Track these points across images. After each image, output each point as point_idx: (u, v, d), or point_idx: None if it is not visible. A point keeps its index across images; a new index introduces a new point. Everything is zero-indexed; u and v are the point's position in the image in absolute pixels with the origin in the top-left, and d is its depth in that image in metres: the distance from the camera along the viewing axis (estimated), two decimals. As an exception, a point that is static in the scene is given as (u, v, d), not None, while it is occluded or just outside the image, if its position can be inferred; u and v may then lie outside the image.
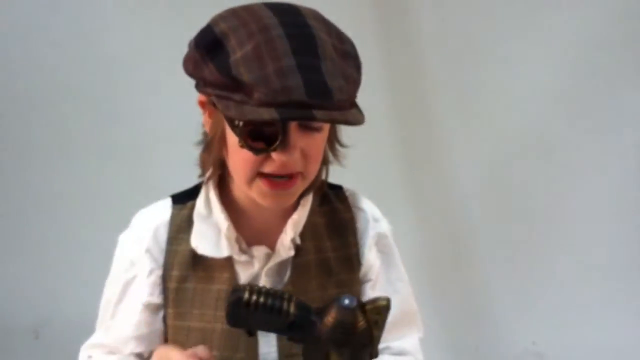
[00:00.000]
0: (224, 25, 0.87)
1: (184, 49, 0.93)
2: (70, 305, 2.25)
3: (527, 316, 2.28)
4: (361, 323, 0.77)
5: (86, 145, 2.24)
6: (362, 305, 0.78)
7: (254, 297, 0.78)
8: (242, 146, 0.86)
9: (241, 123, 0.85)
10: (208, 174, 0.99)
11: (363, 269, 1.06)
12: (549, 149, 2.24)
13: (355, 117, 0.86)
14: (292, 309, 0.79)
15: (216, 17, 0.90)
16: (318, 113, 0.81)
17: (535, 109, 2.22)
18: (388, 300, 0.79)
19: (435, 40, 2.20)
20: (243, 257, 0.98)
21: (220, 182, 1.01)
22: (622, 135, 2.22)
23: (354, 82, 0.89)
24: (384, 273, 1.07)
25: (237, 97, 0.83)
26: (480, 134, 2.24)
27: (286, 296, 0.80)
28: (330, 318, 0.77)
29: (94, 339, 1.06)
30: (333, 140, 0.99)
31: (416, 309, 1.13)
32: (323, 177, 1.02)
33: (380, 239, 1.08)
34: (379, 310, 0.78)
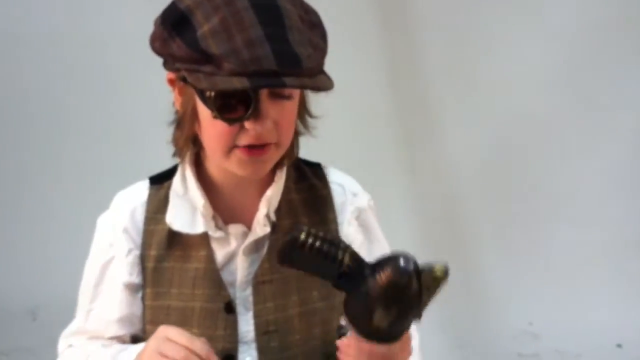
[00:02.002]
0: (189, 1, 0.87)
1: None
2: (67, 286, 2.23)
3: (524, 297, 2.29)
4: (414, 286, 0.76)
5: (82, 129, 2.24)
6: (418, 270, 0.77)
7: (310, 240, 0.77)
8: (214, 117, 0.87)
9: (212, 95, 0.85)
10: (183, 152, 0.98)
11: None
12: (547, 131, 2.25)
13: (324, 82, 0.87)
14: (346, 259, 0.78)
15: None
16: (289, 80, 0.82)
17: (533, 88, 2.22)
18: (445, 271, 0.78)
19: (433, 28, 2.20)
20: (218, 234, 0.98)
21: (196, 161, 1.01)
22: (620, 117, 2.22)
23: (321, 50, 0.90)
24: (365, 247, 1.05)
25: (207, 69, 0.84)
26: (480, 118, 2.24)
27: (342, 245, 0.79)
28: (383, 276, 0.76)
29: (73, 326, 1.06)
30: (302, 111, 0.99)
31: None
32: (297, 146, 1.01)
33: (360, 213, 1.06)
34: (435, 279, 0.78)
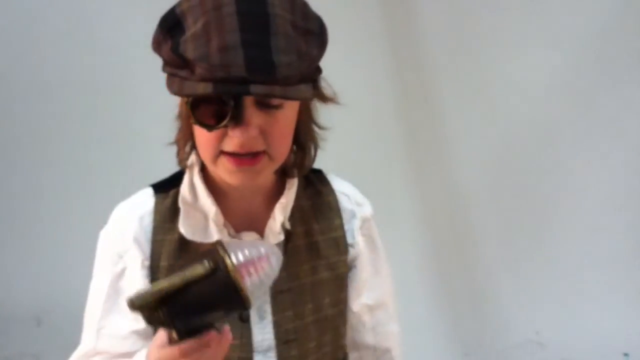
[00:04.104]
0: (185, 5, 0.87)
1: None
2: (72, 292, 2.23)
3: (530, 306, 2.28)
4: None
5: (87, 133, 2.24)
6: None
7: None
8: (193, 123, 0.86)
9: (189, 100, 0.84)
10: (189, 160, 0.97)
11: (352, 254, 1.05)
12: (552, 141, 2.24)
13: (298, 92, 0.85)
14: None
15: None
16: (256, 87, 0.80)
17: (538, 102, 2.22)
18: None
19: (438, 36, 2.20)
20: (235, 241, 0.95)
21: (203, 168, 0.98)
22: (626, 127, 2.21)
23: (310, 58, 0.87)
24: (367, 257, 1.06)
25: (183, 73, 0.84)
26: (484, 125, 2.24)
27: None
28: None
29: (81, 349, 1.01)
30: (309, 122, 0.97)
31: (394, 292, 1.12)
32: (310, 159, 1.00)
33: (364, 222, 1.06)
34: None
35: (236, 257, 0.75)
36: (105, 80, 2.21)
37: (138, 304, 0.76)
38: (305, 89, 0.87)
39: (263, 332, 0.98)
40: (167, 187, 1.01)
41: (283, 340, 0.98)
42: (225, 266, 0.74)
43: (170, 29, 0.87)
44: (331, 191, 1.05)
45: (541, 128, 2.24)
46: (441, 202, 2.31)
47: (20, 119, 2.27)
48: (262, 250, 0.77)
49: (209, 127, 0.85)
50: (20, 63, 2.23)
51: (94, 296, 1.02)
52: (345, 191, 1.07)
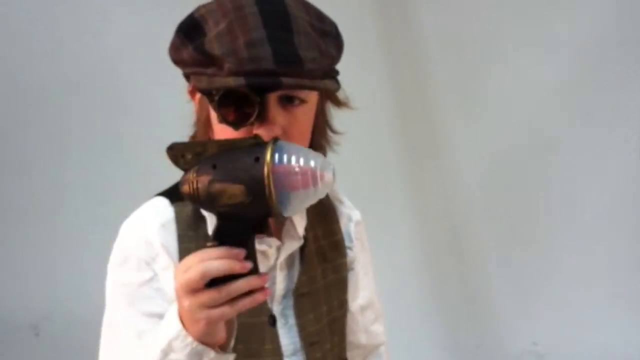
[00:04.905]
0: (204, 10, 0.89)
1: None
2: (70, 302, 2.25)
3: (528, 316, 2.28)
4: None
5: (84, 142, 2.24)
6: None
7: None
8: (220, 121, 0.85)
9: (217, 97, 0.84)
10: None
11: (350, 256, 1.08)
12: (550, 147, 2.24)
13: (326, 85, 0.87)
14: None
15: (199, 5, 0.91)
16: (286, 80, 0.81)
17: (536, 107, 2.21)
18: None
19: (436, 40, 2.20)
20: (263, 246, 0.93)
21: None
22: (624, 133, 2.21)
23: (331, 57, 0.89)
24: (360, 257, 1.10)
25: (210, 70, 0.84)
26: (482, 132, 2.23)
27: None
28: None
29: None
30: (323, 125, 0.98)
31: (377, 290, 1.15)
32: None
33: (357, 225, 1.10)
34: None
35: (287, 153, 0.73)
36: (108, 85, 2.22)
37: (177, 146, 0.76)
38: (330, 83, 0.89)
39: (288, 336, 0.98)
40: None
41: (308, 342, 0.98)
42: (266, 150, 0.73)
43: (189, 32, 0.88)
44: (327, 199, 1.06)
45: (539, 136, 2.24)
46: (438, 211, 2.31)
47: (17, 124, 2.27)
48: (315, 165, 0.74)
49: (236, 125, 0.85)
50: (21, 67, 2.24)
51: (115, 308, 0.95)
52: (339, 197, 1.10)
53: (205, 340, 0.78)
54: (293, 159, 0.73)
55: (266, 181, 0.71)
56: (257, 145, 0.74)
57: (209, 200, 0.75)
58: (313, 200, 0.76)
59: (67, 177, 2.26)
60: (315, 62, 0.85)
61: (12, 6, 2.21)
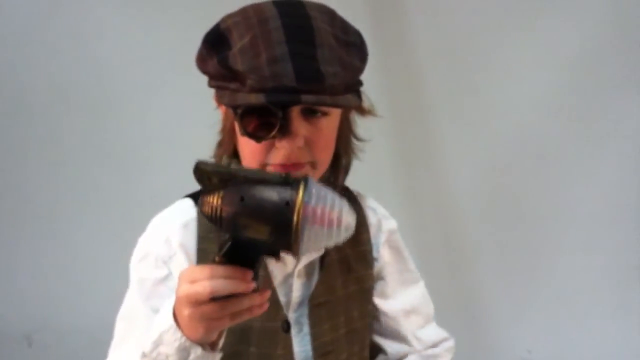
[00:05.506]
0: (230, 21, 0.90)
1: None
2: (63, 312, 2.23)
3: (523, 324, 2.27)
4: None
5: (80, 150, 2.23)
6: None
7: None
8: (242, 134, 0.87)
9: (239, 111, 0.86)
10: None
11: (377, 266, 1.09)
12: (545, 154, 2.24)
13: (347, 100, 0.88)
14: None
15: (225, 16, 0.93)
16: (306, 97, 0.83)
17: (531, 113, 2.21)
18: None
19: (431, 46, 2.20)
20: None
21: None
22: (619, 140, 2.21)
23: (354, 69, 0.90)
24: (396, 269, 1.10)
25: (233, 86, 0.86)
26: (477, 139, 2.23)
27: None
28: None
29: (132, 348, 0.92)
30: (347, 133, 1.00)
31: (428, 299, 1.18)
32: (345, 171, 1.03)
33: (390, 234, 1.11)
34: None
35: (316, 198, 0.72)
36: (105, 89, 2.19)
37: (205, 168, 0.74)
38: (351, 98, 0.90)
39: (301, 344, 0.99)
40: None
41: (320, 352, 1.00)
42: (297, 194, 0.72)
43: (214, 44, 0.89)
44: (359, 206, 1.08)
45: (534, 142, 2.24)
46: (432, 218, 2.31)
47: (12, 133, 2.26)
48: (340, 212, 0.73)
49: (258, 138, 0.87)
50: (16, 71, 2.23)
51: (132, 301, 0.99)
52: (372, 205, 1.12)
53: (197, 339, 0.79)
54: (321, 205, 0.72)
55: (294, 229, 0.71)
56: (288, 185, 0.73)
57: (230, 229, 0.74)
58: (332, 244, 0.75)
59: (61, 188, 2.25)
60: (337, 77, 0.86)
61: (7, 9, 2.21)
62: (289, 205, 0.71)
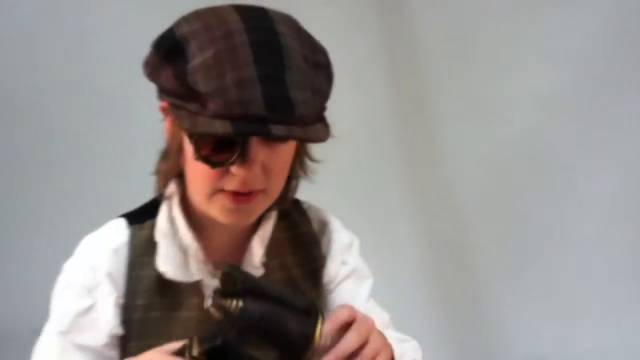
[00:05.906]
0: (187, 29, 0.84)
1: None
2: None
3: (531, 322, 2.29)
4: None
5: (75, 148, 2.28)
6: None
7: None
8: (196, 159, 0.84)
9: (195, 137, 0.82)
10: (168, 188, 0.95)
11: (325, 280, 1.07)
12: (551, 154, 2.25)
13: (317, 133, 0.84)
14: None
15: (180, 20, 0.88)
16: (276, 128, 0.79)
17: (535, 113, 2.24)
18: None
19: (436, 46, 2.22)
20: (215, 281, 0.92)
21: (182, 199, 0.95)
22: (622, 140, 2.22)
23: (323, 94, 0.87)
24: (352, 287, 1.07)
25: (192, 107, 0.81)
26: (481, 138, 2.26)
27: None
28: None
29: None
30: (302, 155, 0.97)
31: (379, 309, 1.11)
32: (293, 192, 1.00)
33: (343, 251, 1.07)
34: None
35: (324, 340, 0.76)
36: (104, 89, 2.31)
37: (236, 274, 0.76)
38: (321, 129, 0.86)
39: None
40: (142, 218, 0.98)
41: None
42: (314, 329, 0.75)
43: (169, 53, 0.84)
44: (308, 221, 1.06)
45: (540, 142, 2.26)
46: (439, 218, 2.33)
47: (9, 132, 2.29)
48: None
49: (214, 164, 0.84)
50: (16, 75, 2.25)
51: (49, 334, 0.96)
52: (323, 219, 1.07)
53: None
54: (328, 341, 0.76)
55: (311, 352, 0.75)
56: (308, 315, 0.76)
57: (234, 339, 0.76)
58: None
59: (62, 183, 2.36)
60: (307, 104, 0.82)
61: (10, 9, 2.22)
62: (307, 340, 0.74)
